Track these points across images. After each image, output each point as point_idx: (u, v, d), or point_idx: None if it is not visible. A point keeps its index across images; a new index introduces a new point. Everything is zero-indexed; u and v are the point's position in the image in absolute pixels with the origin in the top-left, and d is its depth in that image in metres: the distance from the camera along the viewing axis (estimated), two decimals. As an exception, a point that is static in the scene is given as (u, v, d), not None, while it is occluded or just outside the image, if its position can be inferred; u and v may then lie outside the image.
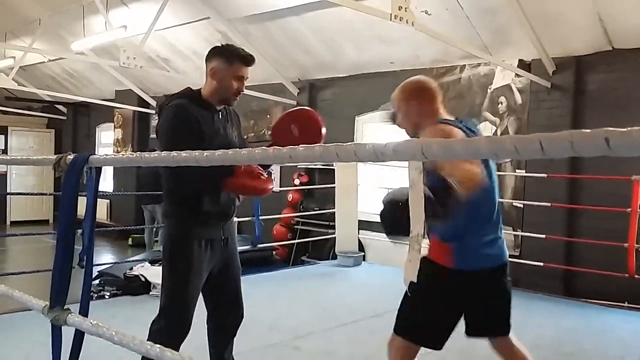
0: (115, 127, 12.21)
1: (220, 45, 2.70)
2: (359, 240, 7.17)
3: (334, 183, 7.03)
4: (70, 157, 1.78)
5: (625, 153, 0.69)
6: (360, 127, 8.21)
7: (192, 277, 2.59)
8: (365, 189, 7.30)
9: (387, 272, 6.26)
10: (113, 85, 11.30)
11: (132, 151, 11.12)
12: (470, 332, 2.48)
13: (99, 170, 1.78)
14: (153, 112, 11.41)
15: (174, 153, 1.42)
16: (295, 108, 2.84)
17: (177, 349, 2.43)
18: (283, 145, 2.83)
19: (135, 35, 7.82)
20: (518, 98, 6.48)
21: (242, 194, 2.77)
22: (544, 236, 5.81)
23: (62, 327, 1.78)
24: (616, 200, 5.39)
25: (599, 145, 0.71)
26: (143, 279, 5.26)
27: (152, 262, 5.58)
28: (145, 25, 7.14)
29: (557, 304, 5.29)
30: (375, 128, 8.03)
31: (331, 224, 7.36)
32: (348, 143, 1.06)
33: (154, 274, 5.20)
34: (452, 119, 2.44)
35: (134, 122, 11.74)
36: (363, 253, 7.20)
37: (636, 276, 5.05)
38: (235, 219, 3.09)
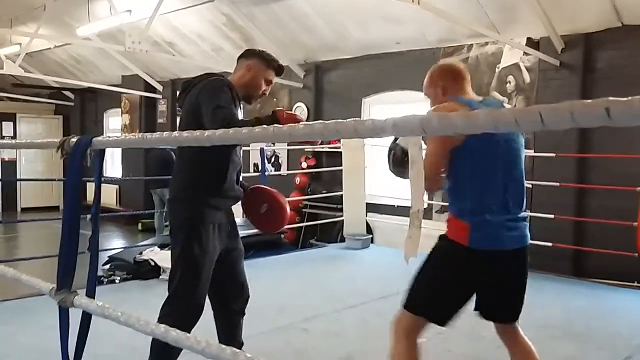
0: (122, 113, 12.22)
1: (259, 49, 2.90)
2: (367, 222, 7.18)
3: (342, 166, 7.01)
4: (74, 139, 1.79)
5: (626, 123, 0.68)
6: (367, 109, 8.15)
7: (207, 261, 2.61)
8: (372, 171, 7.28)
9: (395, 254, 6.21)
10: (119, 70, 11.30)
11: (140, 136, 11.11)
12: (480, 312, 2.45)
13: (102, 153, 1.79)
14: (160, 97, 11.41)
15: (175, 133, 1.41)
16: (273, 191, 2.99)
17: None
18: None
19: (140, 19, 7.78)
20: (526, 77, 6.41)
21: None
22: (552, 216, 5.79)
23: (72, 310, 1.79)
24: (625, 179, 5.35)
25: (599, 115, 0.69)
26: (153, 264, 5.31)
27: (162, 247, 5.62)
28: (150, 9, 7.11)
29: (566, 284, 5.28)
30: (383, 109, 7.99)
31: (339, 206, 7.36)
32: (348, 119, 1.05)
33: (163, 258, 5.24)
34: (471, 99, 2.40)
35: (141, 107, 11.72)
36: (371, 235, 7.20)
37: (645, 255, 5.03)
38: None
